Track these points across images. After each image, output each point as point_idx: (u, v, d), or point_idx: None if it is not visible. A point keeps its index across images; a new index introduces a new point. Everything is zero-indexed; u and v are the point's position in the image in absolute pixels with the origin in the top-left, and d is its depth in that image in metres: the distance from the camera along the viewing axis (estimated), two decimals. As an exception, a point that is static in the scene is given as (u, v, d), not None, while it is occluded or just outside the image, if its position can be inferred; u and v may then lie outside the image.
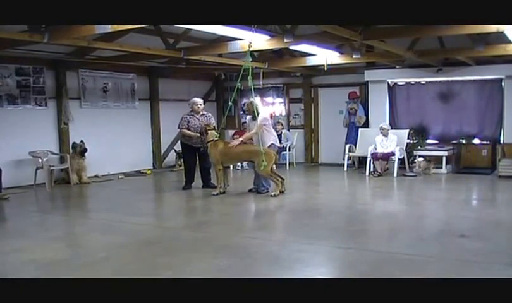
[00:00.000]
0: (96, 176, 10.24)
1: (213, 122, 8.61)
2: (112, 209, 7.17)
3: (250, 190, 8.19)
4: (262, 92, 12.92)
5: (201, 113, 8.62)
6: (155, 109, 11.85)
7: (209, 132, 8.16)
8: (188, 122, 8.50)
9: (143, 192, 8.89)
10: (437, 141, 11.18)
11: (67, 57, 9.26)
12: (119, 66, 10.23)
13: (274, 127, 9.93)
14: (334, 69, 10.89)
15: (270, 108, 13.09)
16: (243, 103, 8.60)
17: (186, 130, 8.48)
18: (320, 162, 12.55)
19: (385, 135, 10.25)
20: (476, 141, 10.88)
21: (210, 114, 8.80)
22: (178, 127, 8.65)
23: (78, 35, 6.53)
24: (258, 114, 7.93)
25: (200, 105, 8.61)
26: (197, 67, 10.68)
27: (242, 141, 7.98)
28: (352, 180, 9.97)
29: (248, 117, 8.20)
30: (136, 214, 6.78)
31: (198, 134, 8.33)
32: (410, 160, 10.57)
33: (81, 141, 9.71)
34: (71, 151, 9.76)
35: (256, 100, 12.72)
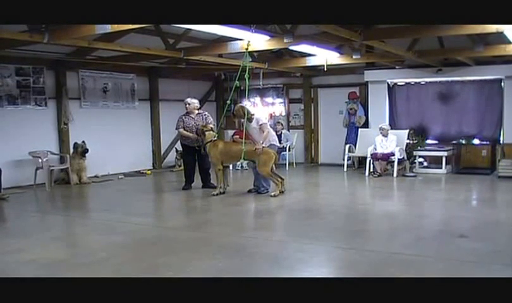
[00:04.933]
0: (96, 176, 10.24)
1: (210, 121, 8.58)
2: (112, 209, 7.17)
3: (250, 191, 8.18)
4: (261, 92, 12.93)
5: (197, 112, 8.63)
6: (155, 109, 11.85)
7: (207, 133, 8.16)
8: (183, 122, 8.52)
9: (143, 193, 8.89)
10: (436, 141, 11.18)
11: (67, 57, 9.26)
12: (119, 66, 10.23)
13: (273, 128, 9.95)
14: (333, 70, 10.90)
15: (270, 108, 13.11)
16: (232, 108, 8.57)
17: (183, 130, 8.51)
18: (319, 162, 12.55)
19: (385, 135, 10.25)
20: (476, 141, 10.88)
21: (206, 113, 8.79)
22: (176, 128, 8.68)
23: (78, 35, 6.53)
24: (251, 116, 7.92)
25: (188, 104, 8.61)
26: (197, 68, 10.68)
27: (263, 146, 7.77)
28: (352, 181, 9.97)
29: (242, 120, 8.14)
30: (136, 214, 6.78)
31: (195, 134, 8.34)
32: (410, 161, 10.58)
33: (83, 142, 9.71)
34: (71, 151, 9.76)
35: (253, 101, 12.95)
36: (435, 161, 10.52)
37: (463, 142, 10.90)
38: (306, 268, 4.32)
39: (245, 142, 7.64)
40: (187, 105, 8.61)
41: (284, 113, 12.95)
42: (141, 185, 9.73)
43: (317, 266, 4.43)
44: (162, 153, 12.13)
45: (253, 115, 8.08)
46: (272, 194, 7.73)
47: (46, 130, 9.69)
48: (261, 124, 7.96)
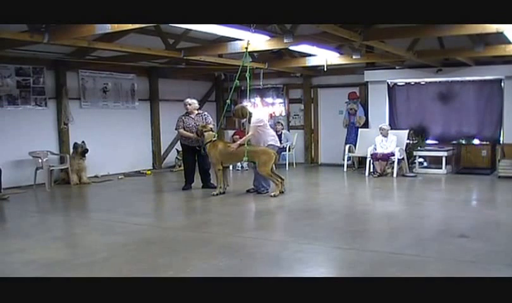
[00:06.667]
0: (96, 176, 10.25)
1: (210, 121, 8.57)
2: (112, 209, 7.17)
3: (248, 191, 8.18)
4: (261, 92, 12.94)
5: (196, 112, 8.62)
6: (155, 109, 11.85)
7: (206, 133, 8.16)
8: (183, 122, 8.52)
9: (143, 193, 8.89)
10: (436, 142, 11.18)
11: (67, 57, 9.26)
12: (119, 66, 10.23)
13: (273, 128, 9.94)
14: (333, 70, 10.91)
15: (270, 108, 13.12)
16: (233, 108, 8.64)
17: (183, 131, 8.51)
18: (319, 162, 12.55)
19: (385, 135, 10.25)
20: (476, 141, 10.89)
21: (206, 113, 8.78)
22: (175, 128, 8.68)
23: (78, 35, 6.53)
24: (250, 117, 7.94)
25: (189, 105, 8.61)
26: (197, 68, 10.68)
27: (240, 144, 7.92)
28: (352, 181, 9.97)
29: (243, 120, 8.18)
30: (136, 214, 6.78)
31: (195, 134, 8.34)
32: (410, 161, 10.58)
33: (83, 142, 9.71)
34: (71, 151, 9.76)
35: (254, 101, 12.96)
36: (435, 162, 10.52)
37: (463, 142, 10.91)
38: (306, 268, 4.31)
39: (248, 143, 7.68)
40: (188, 106, 8.60)
41: (284, 114, 12.96)
42: (141, 185, 9.72)
43: (317, 266, 4.43)
44: (162, 153, 12.13)
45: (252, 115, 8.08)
46: (272, 194, 7.73)
47: (46, 130, 9.69)
48: (253, 125, 7.89)
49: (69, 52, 9.12)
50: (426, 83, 11.27)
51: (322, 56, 9.34)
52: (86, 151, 9.70)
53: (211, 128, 8.34)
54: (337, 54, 9.11)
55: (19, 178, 9.06)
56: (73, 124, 10.00)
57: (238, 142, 8.04)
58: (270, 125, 9.24)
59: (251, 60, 9.09)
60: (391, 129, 10.55)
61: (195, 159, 8.71)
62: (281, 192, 7.77)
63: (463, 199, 8.03)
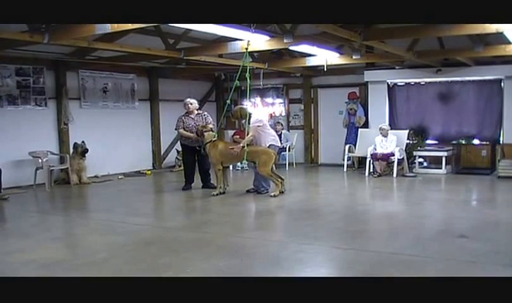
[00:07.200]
0: (96, 176, 10.25)
1: (210, 121, 8.57)
2: (112, 210, 7.16)
3: (248, 191, 8.18)
4: (261, 92, 12.94)
5: (196, 112, 8.62)
6: (155, 109, 11.86)
7: (206, 133, 8.15)
8: (183, 122, 8.52)
9: (143, 193, 8.89)
10: (436, 142, 11.18)
11: (67, 57, 9.26)
12: (119, 66, 10.23)
13: (273, 128, 9.93)
14: (333, 70, 10.91)
15: (270, 108, 13.12)
16: (233, 109, 8.65)
17: (183, 131, 8.51)
18: (319, 163, 12.55)
19: (385, 135, 10.25)
20: (476, 141, 10.89)
21: (205, 113, 8.78)
22: (175, 129, 8.67)
23: (78, 35, 6.53)
24: (250, 117, 7.92)
25: (191, 104, 8.61)
26: (197, 68, 10.68)
27: (242, 146, 7.86)
28: (352, 181, 9.97)
29: (242, 121, 8.16)
30: (136, 214, 6.78)
31: (195, 134, 8.33)
32: (410, 161, 10.58)
33: (83, 142, 9.72)
34: (71, 151, 9.76)
35: (254, 102, 12.96)
36: (435, 162, 10.52)
37: (463, 142, 10.91)
38: (306, 268, 4.32)
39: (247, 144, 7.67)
40: (189, 105, 8.59)
41: (284, 114, 12.96)
42: (141, 185, 9.72)
43: (317, 266, 4.43)
44: (162, 153, 12.13)
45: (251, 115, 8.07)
46: (272, 194, 7.73)
47: (46, 130, 9.69)
48: (253, 126, 7.87)
49: (69, 52, 9.12)
50: (426, 83, 11.27)
51: (322, 56, 9.34)
52: (86, 151, 9.70)
53: (211, 128, 8.33)
54: (337, 54, 9.10)
55: (19, 178, 9.07)
56: (73, 124, 10.00)
57: (240, 145, 7.92)
58: (270, 125, 9.23)
59: (251, 60, 9.10)
60: (391, 129, 10.55)
61: (195, 159, 8.71)
62: (281, 192, 7.78)
63: (462, 199, 8.03)
